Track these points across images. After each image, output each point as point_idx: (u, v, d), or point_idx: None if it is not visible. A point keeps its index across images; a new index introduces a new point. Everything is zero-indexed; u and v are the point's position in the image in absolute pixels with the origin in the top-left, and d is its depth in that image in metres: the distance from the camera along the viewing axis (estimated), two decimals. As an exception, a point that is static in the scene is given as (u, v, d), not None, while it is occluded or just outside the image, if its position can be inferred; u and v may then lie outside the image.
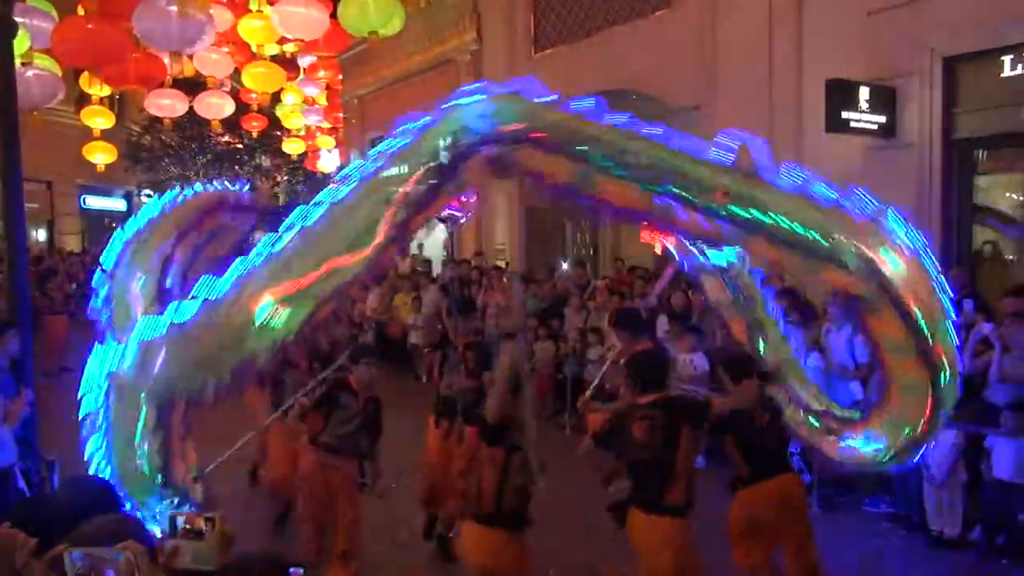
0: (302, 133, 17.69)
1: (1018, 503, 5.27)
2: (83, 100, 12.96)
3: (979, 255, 8.29)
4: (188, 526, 2.44)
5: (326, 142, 18.30)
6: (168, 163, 24.44)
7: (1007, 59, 7.54)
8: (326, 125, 17.84)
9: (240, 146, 24.72)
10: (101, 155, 13.07)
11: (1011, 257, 8.31)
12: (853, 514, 6.37)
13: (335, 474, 4.86)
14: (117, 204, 29.34)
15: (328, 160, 19.15)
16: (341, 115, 18.64)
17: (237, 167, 25.54)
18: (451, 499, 5.25)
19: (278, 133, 19.28)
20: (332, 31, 8.97)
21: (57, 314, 13.03)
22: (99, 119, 12.01)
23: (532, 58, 13.73)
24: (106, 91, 11.42)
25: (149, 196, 27.28)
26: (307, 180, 24.39)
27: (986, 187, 8.44)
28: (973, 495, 5.69)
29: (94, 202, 28.10)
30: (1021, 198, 8.41)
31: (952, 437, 5.56)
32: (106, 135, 13.04)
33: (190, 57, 10.34)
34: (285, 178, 26.46)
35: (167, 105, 11.22)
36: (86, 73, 10.63)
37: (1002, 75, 7.61)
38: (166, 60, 9.49)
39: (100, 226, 29.04)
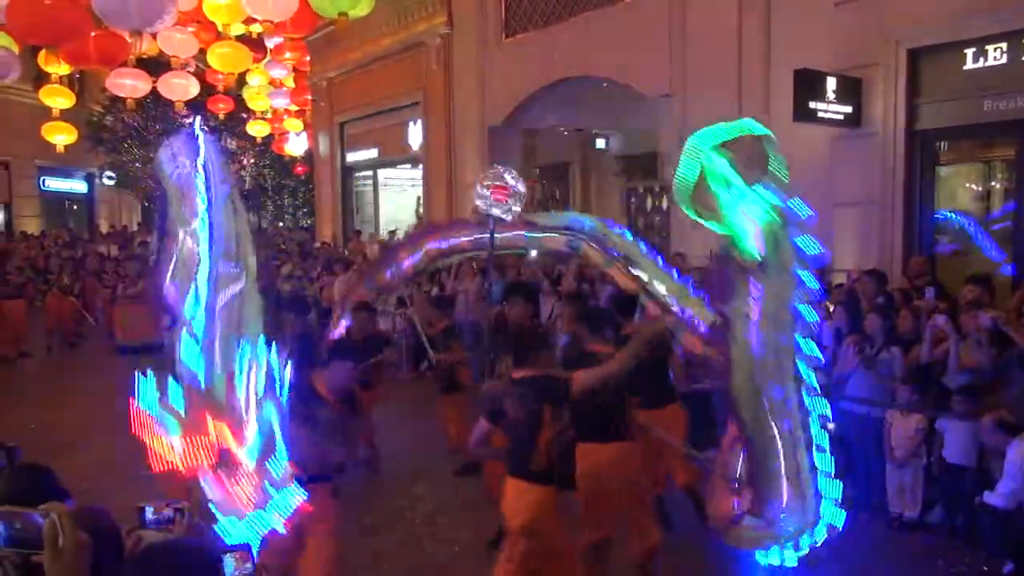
0: (268, 115, 17.40)
1: (969, 486, 5.41)
2: (42, 78, 12.60)
3: (940, 244, 8.46)
4: (156, 516, 2.33)
5: (294, 125, 18.02)
6: (131, 145, 23.89)
7: (969, 52, 7.67)
8: (293, 108, 17.57)
9: (206, 128, 24.23)
10: (61, 135, 12.65)
11: (970, 246, 8.49)
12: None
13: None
14: (78, 186, 28.69)
15: (296, 143, 18.87)
16: (309, 98, 18.35)
17: (202, 149, 25.04)
18: None
19: (244, 115, 18.93)
20: (300, 12, 8.82)
21: (14, 299, 12.72)
22: (59, 99, 11.67)
23: (502, 44, 13.64)
24: (66, 69, 11.11)
25: (112, 178, 26.72)
26: (274, 163, 24.03)
27: (947, 177, 8.60)
28: (930, 478, 5.83)
29: (54, 184, 27.45)
30: (980, 188, 8.59)
31: (916, 420, 5.71)
32: (66, 115, 12.64)
33: (153, 36, 10.10)
34: (252, 161, 26.04)
35: (129, 85, 10.93)
36: (44, 51, 10.35)
37: (964, 68, 7.75)
38: (128, 39, 9.27)
39: (60, 208, 28.41)
